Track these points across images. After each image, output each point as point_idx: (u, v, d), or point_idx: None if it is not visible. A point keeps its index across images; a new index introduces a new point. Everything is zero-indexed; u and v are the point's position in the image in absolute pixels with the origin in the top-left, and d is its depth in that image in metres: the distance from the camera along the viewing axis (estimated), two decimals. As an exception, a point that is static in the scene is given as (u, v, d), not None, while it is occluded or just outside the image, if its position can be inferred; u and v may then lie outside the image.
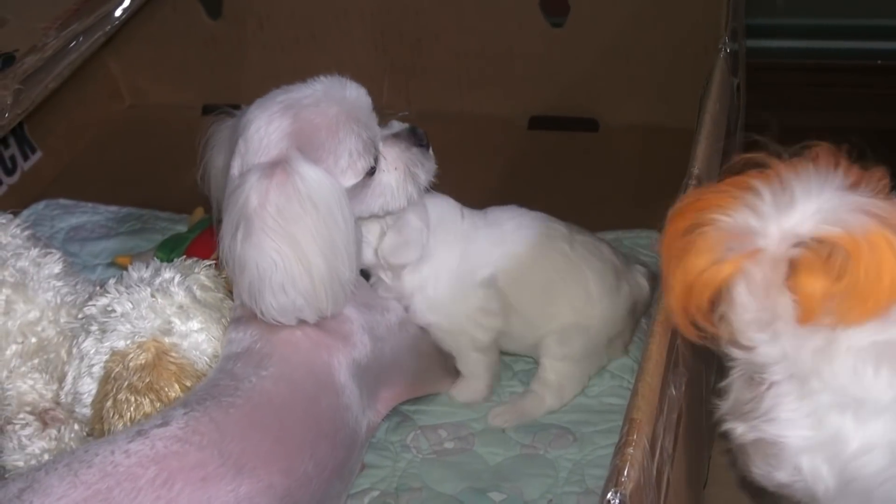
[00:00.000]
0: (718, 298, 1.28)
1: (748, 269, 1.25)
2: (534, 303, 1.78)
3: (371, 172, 1.65)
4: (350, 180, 1.62)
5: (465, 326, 1.79)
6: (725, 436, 1.41)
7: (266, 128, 1.59)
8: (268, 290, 1.54)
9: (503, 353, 1.88)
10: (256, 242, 1.52)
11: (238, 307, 1.64)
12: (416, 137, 1.70)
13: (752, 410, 1.33)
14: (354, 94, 1.66)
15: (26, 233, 1.80)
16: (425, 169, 1.70)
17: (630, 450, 1.16)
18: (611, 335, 1.82)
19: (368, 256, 1.75)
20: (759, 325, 1.28)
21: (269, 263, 1.52)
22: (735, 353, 1.32)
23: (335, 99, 1.63)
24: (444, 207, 1.79)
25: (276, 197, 1.52)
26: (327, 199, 1.55)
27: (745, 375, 1.34)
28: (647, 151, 2.45)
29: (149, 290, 1.64)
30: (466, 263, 1.77)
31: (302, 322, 1.60)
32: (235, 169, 1.61)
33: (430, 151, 1.72)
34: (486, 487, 1.72)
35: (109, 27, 2.03)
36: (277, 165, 1.54)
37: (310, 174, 1.54)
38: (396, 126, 1.72)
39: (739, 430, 1.36)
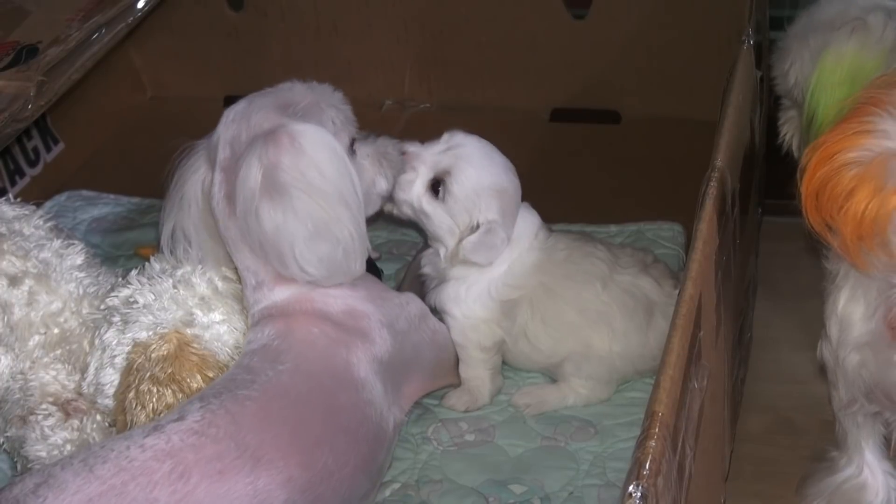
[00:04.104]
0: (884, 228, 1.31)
1: None
2: (547, 334, 1.79)
3: (352, 149, 1.67)
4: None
5: (478, 326, 1.80)
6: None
7: (250, 116, 1.61)
8: (307, 248, 1.55)
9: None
10: (286, 205, 1.54)
11: (255, 313, 1.65)
12: (383, 138, 1.73)
13: None
14: (323, 88, 1.68)
15: (49, 224, 1.81)
16: (393, 161, 1.72)
17: (652, 443, 1.16)
18: (639, 368, 1.82)
19: (442, 232, 1.77)
20: None
21: (303, 221, 1.54)
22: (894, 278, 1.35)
23: (309, 87, 1.67)
24: (526, 222, 1.80)
25: (289, 158, 1.54)
26: (333, 150, 1.59)
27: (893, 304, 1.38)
28: (669, 144, 2.44)
29: (171, 281, 1.65)
30: (506, 278, 1.79)
31: (320, 318, 1.61)
32: (223, 160, 1.62)
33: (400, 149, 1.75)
34: (506, 479, 1.72)
35: (132, 19, 2.02)
36: (277, 131, 1.56)
37: (310, 131, 1.57)
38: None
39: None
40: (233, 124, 1.63)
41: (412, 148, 1.76)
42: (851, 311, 1.45)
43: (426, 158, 1.75)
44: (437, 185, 1.73)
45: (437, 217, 1.75)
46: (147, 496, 1.40)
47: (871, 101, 1.33)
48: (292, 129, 1.57)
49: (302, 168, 1.55)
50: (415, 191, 1.75)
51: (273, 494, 1.46)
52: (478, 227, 1.74)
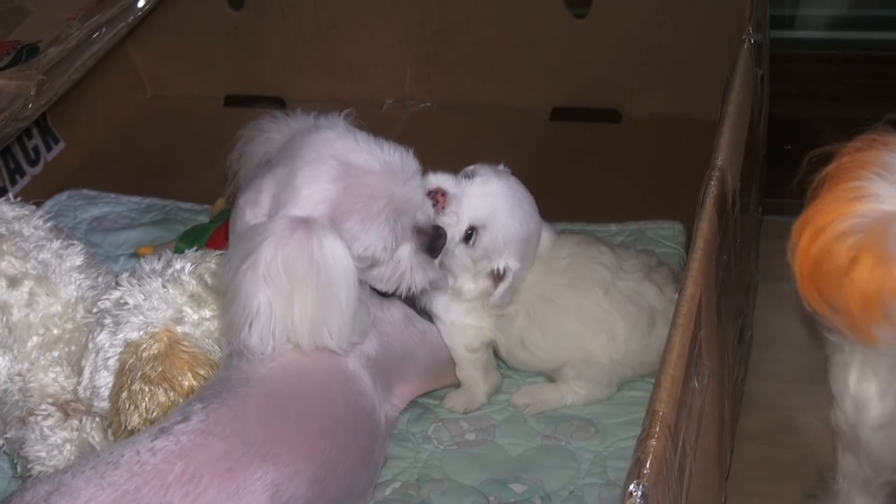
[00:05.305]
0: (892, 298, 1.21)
1: None
2: (545, 343, 1.78)
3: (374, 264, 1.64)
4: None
5: (466, 329, 1.80)
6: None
7: (313, 184, 1.57)
8: (245, 328, 1.53)
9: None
10: (254, 284, 1.51)
11: None
12: (431, 247, 1.67)
13: None
14: (409, 194, 1.62)
15: (48, 224, 1.81)
16: (423, 276, 1.67)
17: (652, 442, 1.16)
18: (639, 372, 1.81)
19: (458, 269, 1.75)
20: None
21: (256, 307, 1.52)
22: None
23: (389, 192, 1.59)
24: (543, 245, 1.79)
25: (290, 252, 1.51)
26: (337, 273, 1.54)
27: None
28: (669, 143, 2.43)
29: (160, 280, 1.65)
30: None
31: None
32: (265, 194, 1.60)
33: (441, 210, 1.70)
34: (507, 478, 1.72)
35: (132, 18, 2.03)
36: (303, 223, 1.53)
37: (329, 245, 1.54)
38: (423, 218, 1.67)
39: None
40: (297, 175, 1.57)
41: (451, 187, 1.70)
42: (865, 389, 1.37)
43: (465, 205, 1.70)
44: (468, 231, 1.71)
45: (462, 259, 1.73)
46: (161, 500, 1.40)
47: (854, 165, 1.24)
48: (318, 236, 1.53)
49: (296, 274, 1.52)
50: (451, 234, 1.70)
51: (282, 489, 1.46)
52: (495, 272, 1.74)
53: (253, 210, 1.61)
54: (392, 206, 1.59)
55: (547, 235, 1.80)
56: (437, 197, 1.69)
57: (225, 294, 1.56)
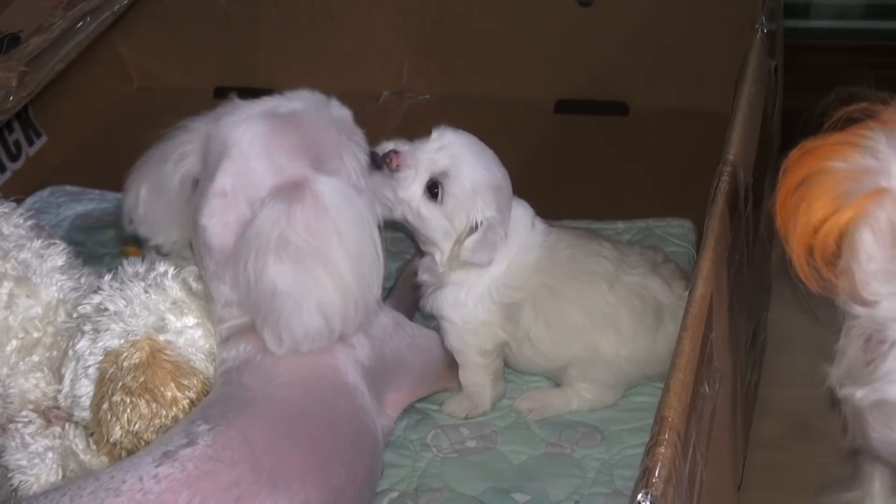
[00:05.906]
0: (841, 249, 1.27)
1: (872, 211, 1.24)
2: (551, 338, 1.75)
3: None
4: None
5: (478, 329, 1.76)
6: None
7: (274, 148, 1.54)
8: (303, 314, 1.49)
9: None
10: (291, 266, 1.47)
11: (223, 329, 1.59)
12: (374, 163, 1.68)
13: (872, 372, 1.30)
14: (344, 114, 1.64)
15: (29, 223, 1.76)
16: (392, 189, 1.69)
17: (661, 449, 1.15)
18: (646, 373, 1.78)
19: (438, 235, 1.72)
20: (885, 276, 1.25)
21: (304, 287, 1.48)
22: (855, 309, 1.30)
23: (332, 118, 1.61)
24: (518, 214, 1.76)
25: (307, 218, 1.48)
26: (355, 211, 1.53)
27: (863, 335, 1.32)
28: (679, 136, 2.42)
29: (142, 285, 1.61)
30: (507, 279, 1.75)
31: None
32: (231, 194, 1.54)
33: (396, 170, 1.69)
34: (509, 488, 1.69)
35: (118, 7, 2.02)
36: (301, 186, 1.50)
37: (335, 188, 1.52)
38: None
39: (858, 394, 1.33)
40: (249, 152, 1.54)
41: (404, 147, 1.71)
42: (844, 345, 1.40)
43: (421, 158, 1.69)
44: (433, 188, 1.69)
45: (434, 220, 1.70)
46: None
47: (878, 119, 1.30)
48: (318, 187, 1.51)
49: (323, 233, 1.49)
50: (413, 191, 1.69)
51: None
52: (475, 227, 1.70)
53: (228, 215, 1.55)
54: (341, 127, 1.61)
55: (524, 211, 1.77)
56: (391, 157, 1.69)
57: (257, 306, 1.51)
